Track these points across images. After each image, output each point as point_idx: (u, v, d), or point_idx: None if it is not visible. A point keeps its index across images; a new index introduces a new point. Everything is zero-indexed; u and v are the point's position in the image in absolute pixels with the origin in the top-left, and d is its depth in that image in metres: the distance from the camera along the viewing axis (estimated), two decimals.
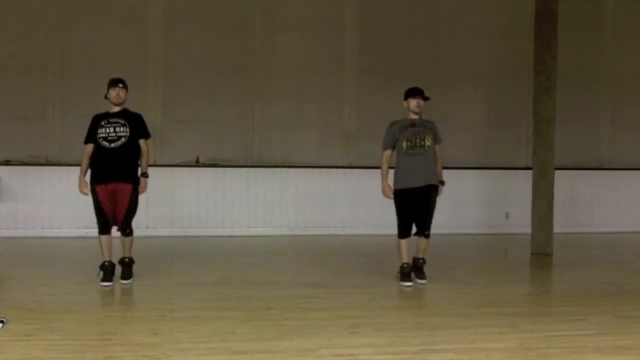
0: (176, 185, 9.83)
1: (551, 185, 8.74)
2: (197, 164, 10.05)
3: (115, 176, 6.29)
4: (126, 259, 6.53)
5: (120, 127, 6.30)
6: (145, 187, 6.52)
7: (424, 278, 6.69)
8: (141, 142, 6.46)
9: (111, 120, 6.33)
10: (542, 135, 8.73)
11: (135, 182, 6.42)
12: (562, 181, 9.31)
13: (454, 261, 8.10)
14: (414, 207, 6.55)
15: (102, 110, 6.54)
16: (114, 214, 6.38)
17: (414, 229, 6.65)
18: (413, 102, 6.63)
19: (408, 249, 6.62)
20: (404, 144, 6.53)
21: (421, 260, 6.72)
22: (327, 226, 10.24)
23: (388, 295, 6.22)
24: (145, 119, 6.62)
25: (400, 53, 10.59)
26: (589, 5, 11.16)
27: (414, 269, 6.73)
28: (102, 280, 6.30)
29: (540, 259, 8.49)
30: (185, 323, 4.99)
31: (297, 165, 10.27)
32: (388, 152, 6.70)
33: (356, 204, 10.26)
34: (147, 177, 6.51)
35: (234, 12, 10.24)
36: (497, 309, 5.65)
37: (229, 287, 6.41)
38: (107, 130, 6.29)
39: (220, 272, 7.26)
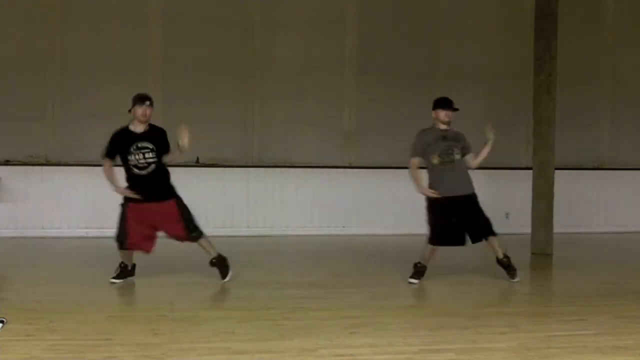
0: (176, 185, 9.80)
1: (551, 185, 8.74)
2: (197, 164, 10.04)
3: (153, 198, 6.29)
4: (214, 260, 6.50)
5: (148, 152, 6.23)
6: (184, 141, 6.20)
7: (514, 276, 6.72)
8: (167, 156, 6.40)
9: (139, 146, 6.22)
10: (542, 135, 8.72)
11: (176, 196, 6.44)
12: (562, 181, 9.29)
13: (454, 261, 8.08)
14: (453, 216, 6.47)
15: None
16: (155, 231, 6.37)
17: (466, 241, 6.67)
18: (442, 113, 6.60)
19: (432, 254, 6.60)
20: (435, 159, 6.51)
21: (505, 259, 6.72)
22: (327, 226, 10.23)
23: (388, 295, 6.22)
24: None
25: (400, 53, 10.58)
26: (589, 5, 11.15)
27: (505, 269, 6.73)
28: (114, 277, 6.35)
29: (540, 259, 8.49)
30: (185, 323, 4.99)
31: (297, 165, 10.26)
32: (416, 160, 6.63)
33: (356, 204, 10.25)
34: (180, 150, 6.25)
35: (234, 12, 10.24)
36: (497, 309, 5.65)
37: (229, 287, 6.41)
38: (137, 157, 6.21)
39: None
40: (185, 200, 6.56)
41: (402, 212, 9.80)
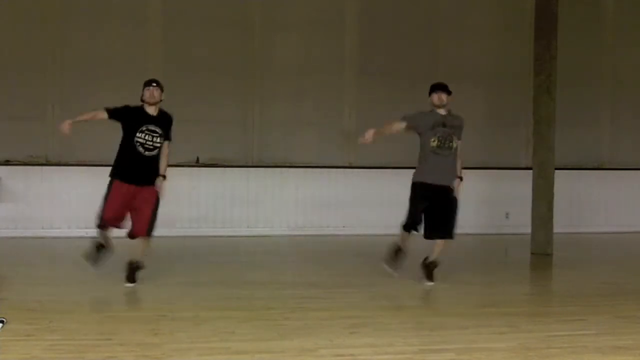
0: (176, 185, 9.79)
1: (551, 185, 8.74)
2: (197, 164, 10.04)
3: (142, 181, 6.29)
4: (137, 263, 6.41)
5: (157, 137, 6.31)
6: (161, 188, 6.39)
7: (431, 280, 6.58)
8: (164, 144, 6.42)
9: (150, 128, 6.30)
10: (542, 135, 8.73)
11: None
12: (562, 181, 9.29)
13: (454, 261, 8.08)
14: (428, 204, 6.50)
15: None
16: (127, 215, 6.30)
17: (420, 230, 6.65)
18: (435, 97, 6.64)
19: (407, 239, 6.61)
20: (434, 142, 6.50)
21: (431, 264, 6.62)
22: (327, 226, 10.22)
23: (388, 295, 6.22)
24: None
25: (400, 53, 10.58)
26: (589, 5, 11.16)
27: (423, 270, 6.64)
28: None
29: (540, 259, 8.49)
30: (185, 323, 4.99)
31: (297, 165, 10.26)
32: (402, 125, 6.65)
33: (356, 204, 10.24)
34: (164, 179, 6.41)
35: (234, 12, 10.24)
36: (497, 309, 5.65)
37: (229, 287, 6.41)
38: (146, 137, 6.27)
39: (220, 272, 7.27)
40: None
41: (402, 212, 9.77)
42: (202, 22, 10.10)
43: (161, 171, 6.41)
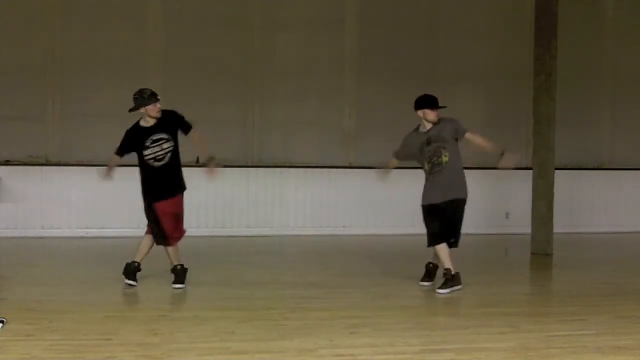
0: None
1: (551, 185, 8.74)
2: (197, 164, 10.02)
3: (167, 194, 6.24)
4: (132, 263, 6.37)
5: (165, 142, 6.20)
6: (216, 168, 6.42)
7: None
8: (190, 134, 6.35)
9: (155, 138, 6.19)
10: (542, 135, 8.73)
11: (184, 188, 6.37)
12: (562, 181, 9.29)
13: (454, 261, 8.08)
14: (439, 219, 6.38)
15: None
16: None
17: None
18: (432, 115, 6.40)
19: (445, 252, 6.38)
20: (427, 166, 6.43)
21: (431, 265, 6.59)
22: (327, 226, 10.23)
23: (388, 295, 6.22)
24: None
25: (400, 53, 10.58)
26: (589, 5, 11.15)
27: (425, 273, 6.59)
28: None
29: (540, 259, 8.48)
30: (185, 323, 4.99)
31: (297, 165, 10.26)
32: (395, 162, 6.72)
33: (356, 204, 10.25)
34: (212, 159, 6.41)
35: (234, 12, 10.24)
36: (497, 309, 5.65)
37: (229, 287, 6.42)
38: (154, 149, 6.18)
39: (220, 272, 7.27)
40: (185, 200, 6.51)
41: (402, 212, 9.80)
42: (202, 22, 10.10)
43: (207, 155, 6.45)
